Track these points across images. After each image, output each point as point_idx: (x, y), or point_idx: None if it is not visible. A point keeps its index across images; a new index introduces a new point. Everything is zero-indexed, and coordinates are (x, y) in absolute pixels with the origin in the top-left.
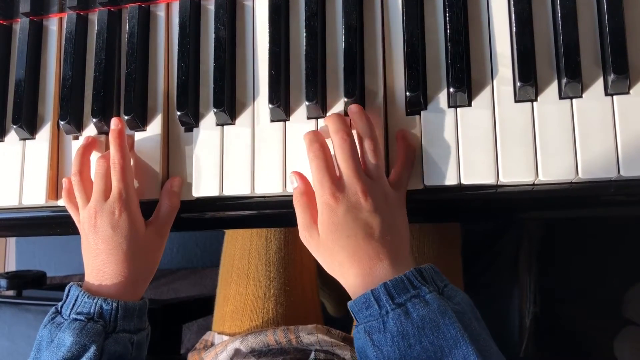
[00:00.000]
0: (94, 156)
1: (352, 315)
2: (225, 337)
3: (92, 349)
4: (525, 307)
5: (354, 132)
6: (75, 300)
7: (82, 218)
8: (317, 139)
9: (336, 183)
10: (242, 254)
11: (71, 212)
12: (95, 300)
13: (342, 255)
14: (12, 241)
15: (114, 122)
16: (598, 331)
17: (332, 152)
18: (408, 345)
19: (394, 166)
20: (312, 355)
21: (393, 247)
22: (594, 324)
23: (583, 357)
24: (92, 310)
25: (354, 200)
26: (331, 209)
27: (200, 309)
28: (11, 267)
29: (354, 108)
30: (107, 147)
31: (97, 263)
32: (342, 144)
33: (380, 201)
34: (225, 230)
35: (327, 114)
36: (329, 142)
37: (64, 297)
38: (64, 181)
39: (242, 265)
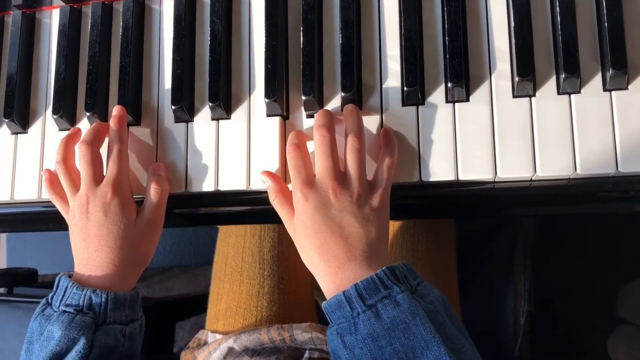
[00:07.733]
0: None
1: (327, 316)
2: (219, 336)
3: (82, 342)
4: (520, 305)
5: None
6: (65, 292)
7: (73, 207)
8: (294, 141)
9: (308, 181)
10: (236, 251)
11: (57, 203)
12: (84, 292)
13: (313, 251)
14: (3, 238)
15: (116, 109)
16: (592, 330)
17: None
18: (379, 347)
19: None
20: (307, 354)
21: (365, 247)
22: (588, 323)
23: (577, 356)
24: (81, 302)
25: (324, 198)
26: (301, 205)
27: (194, 307)
28: (2, 264)
29: (349, 107)
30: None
31: (88, 251)
32: (320, 140)
33: (352, 200)
34: (219, 228)
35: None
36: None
37: (54, 288)
38: (44, 172)
39: (235, 263)
